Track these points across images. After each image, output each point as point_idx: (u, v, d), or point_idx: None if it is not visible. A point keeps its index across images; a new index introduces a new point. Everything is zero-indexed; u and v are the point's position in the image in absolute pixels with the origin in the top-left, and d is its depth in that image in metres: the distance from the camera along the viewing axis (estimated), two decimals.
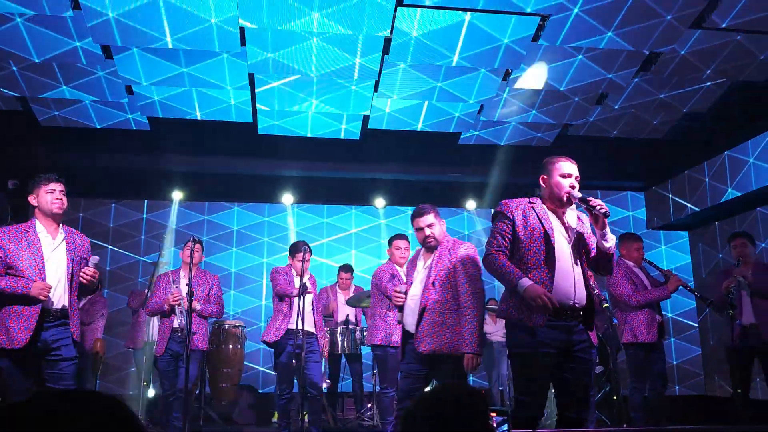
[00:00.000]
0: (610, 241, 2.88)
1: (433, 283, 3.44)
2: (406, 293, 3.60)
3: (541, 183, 2.97)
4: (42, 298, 3.13)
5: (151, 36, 5.13)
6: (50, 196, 3.33)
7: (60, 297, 3.28)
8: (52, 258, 3.30)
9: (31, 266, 3.20)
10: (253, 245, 8.23)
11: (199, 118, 6.58)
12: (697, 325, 8.09)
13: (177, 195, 7.82)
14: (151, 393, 6.14)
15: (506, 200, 2.99)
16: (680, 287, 4.90)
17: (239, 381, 6.70)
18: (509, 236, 2.88)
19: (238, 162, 7.45)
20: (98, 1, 4.73)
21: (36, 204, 3.36)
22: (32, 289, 3.11)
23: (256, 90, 6.11)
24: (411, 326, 3.51)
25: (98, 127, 6.69)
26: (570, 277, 2.82)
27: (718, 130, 6.93)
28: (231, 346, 6.47)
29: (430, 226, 3.54)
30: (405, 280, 4.97)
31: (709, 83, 6.09)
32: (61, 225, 3.43)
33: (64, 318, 3.27)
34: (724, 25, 5.13)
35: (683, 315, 8.14)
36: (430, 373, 3.51)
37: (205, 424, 6.14)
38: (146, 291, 5.91)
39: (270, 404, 6.67)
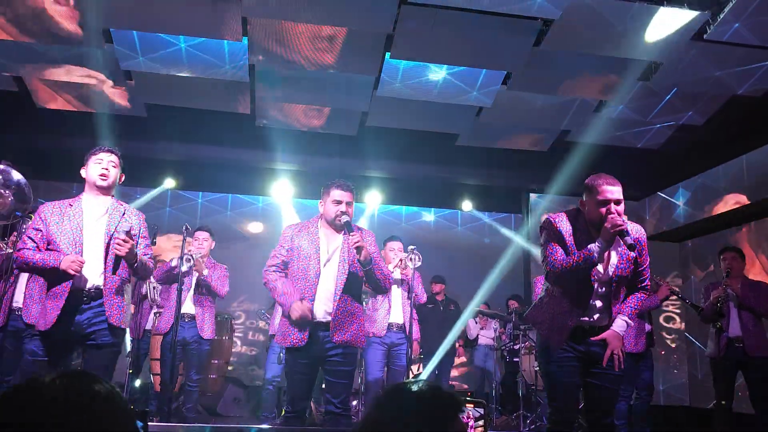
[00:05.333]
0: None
1: (350, 269, 3.20)
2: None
3: (580, 206, 2.88)
4: (71, 272, 2.83)
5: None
6: (97, 166, 3.08)
7: (93, 275, 2.96)
8: (91, 232, 3.02)
9: (68, 241, 2.96)
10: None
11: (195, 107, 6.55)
12: (685, 333, 8.15)
13: (169, 183, 7.76)
14: (137, 383, 6.09)
15: (552, 216, 2.92)
16: (670, 295, 4.96)
17: (226, 373, 6.70)
18: (559, 242, 2.85)
19: (233, 152, 7.42)
20: None
21: (85, 176, 3.12)
22: (63, 262, 2.83)
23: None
24: (321, 313, 3.16)
25: (95, 110, 6.64)
26: (590, 303, 2.86)
27: (715, 143, 6.96)
28: (220, 337, 6.45)
29: (350, 204, 3.29)
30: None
31: (707, 95, 6.12)
32: (111, 199, 3.15)
33: (99, 299, 2.95)
34: (725, 38, 5.14)
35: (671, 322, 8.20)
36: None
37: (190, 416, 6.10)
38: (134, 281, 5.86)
39: (256, 397, 6.65)
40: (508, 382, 6.74)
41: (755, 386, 4.68)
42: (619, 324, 2.82)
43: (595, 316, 2.88)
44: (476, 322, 7.34)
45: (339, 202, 3.25)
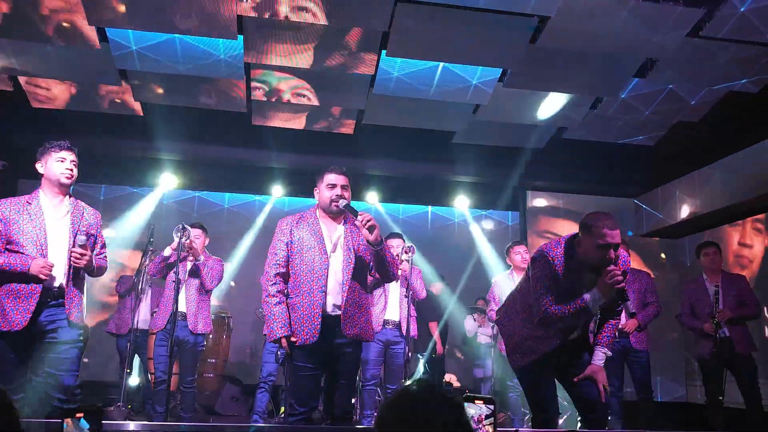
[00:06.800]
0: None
1: (355, 258, 3.02)
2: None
3: (576, 243, 2.81)
4: (43, 277, 2.89)
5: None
6: (60, 165, 3.08)
7: (59, 275, 3.01)
8: (54, 233, 3.03)
9: (32, 241, 2.96)
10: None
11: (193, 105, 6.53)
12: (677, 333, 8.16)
13: (169, 182, 7.72)
14: (134, 381, 6.08)
15: (548, 249, 2.84)
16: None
17: (223, 371, 6.69)
18: (553, 282, 2.81)
19: (230, 152, 7.41)
20: None
21: (43, 172, 3.10)
22: (32, 267, 2.88)
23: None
24: (329, 307, 2.98)
25: (91, 110, 6.63)
26: (573, 332, 2.93)
27: (711, 140, 6.97)
28: (218, 336, 6.44)
29: (346, 188, 3.08)
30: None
31: (703, 92, 6.13)
32: (68, 197, 3.16)
33: (61, 298, 3.00)
34: (721, 35, 5.14)
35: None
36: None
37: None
38: (133, 278, 5.85)
39: (254, 396, 6.64)
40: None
41: (744, 382, 4.82)
42: (599, 356, 2.88)
43: (572, 336, 2.93)
44: (474, 320, 7.34)
45: (333, 186, 3.04)
